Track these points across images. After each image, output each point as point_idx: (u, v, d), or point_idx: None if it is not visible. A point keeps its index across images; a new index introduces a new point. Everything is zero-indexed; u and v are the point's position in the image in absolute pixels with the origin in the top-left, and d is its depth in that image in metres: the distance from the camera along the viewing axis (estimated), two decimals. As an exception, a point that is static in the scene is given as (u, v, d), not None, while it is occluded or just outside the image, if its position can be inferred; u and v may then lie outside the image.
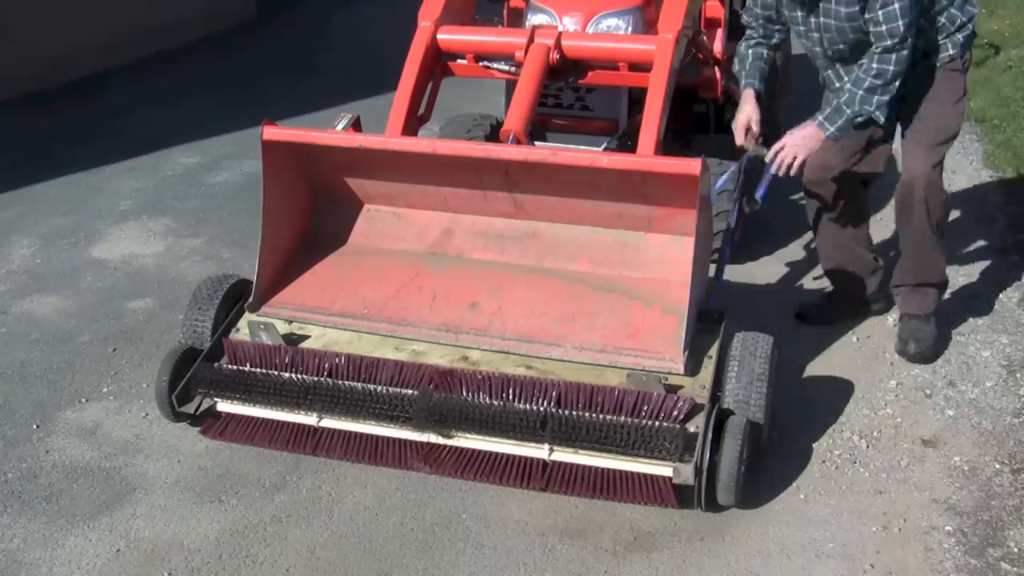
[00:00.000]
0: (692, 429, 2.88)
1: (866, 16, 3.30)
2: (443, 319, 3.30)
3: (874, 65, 3.33)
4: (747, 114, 3.68)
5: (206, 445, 3.34)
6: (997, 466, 3.23)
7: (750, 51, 3.78)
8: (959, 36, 3.51)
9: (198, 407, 3.33)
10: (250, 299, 3.41)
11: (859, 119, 3.44)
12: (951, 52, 3.52)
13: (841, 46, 3.49)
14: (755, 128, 3.69)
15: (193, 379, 3.19)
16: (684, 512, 3.01)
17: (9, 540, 2.96)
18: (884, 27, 3.26)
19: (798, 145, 3.49)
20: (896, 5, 3.22)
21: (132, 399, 3.63)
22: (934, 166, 3.61)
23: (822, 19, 3.46)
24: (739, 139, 3.72)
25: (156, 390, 3.25)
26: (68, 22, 7.57)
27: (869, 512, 3.04)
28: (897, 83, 3.37)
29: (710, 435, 2.87)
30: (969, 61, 3.61)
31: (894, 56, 3.30)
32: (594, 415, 2.92)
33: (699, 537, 2.94)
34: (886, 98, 3.38)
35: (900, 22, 3.23)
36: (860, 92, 3.36)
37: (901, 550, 2.89)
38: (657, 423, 2.88)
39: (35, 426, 3.49)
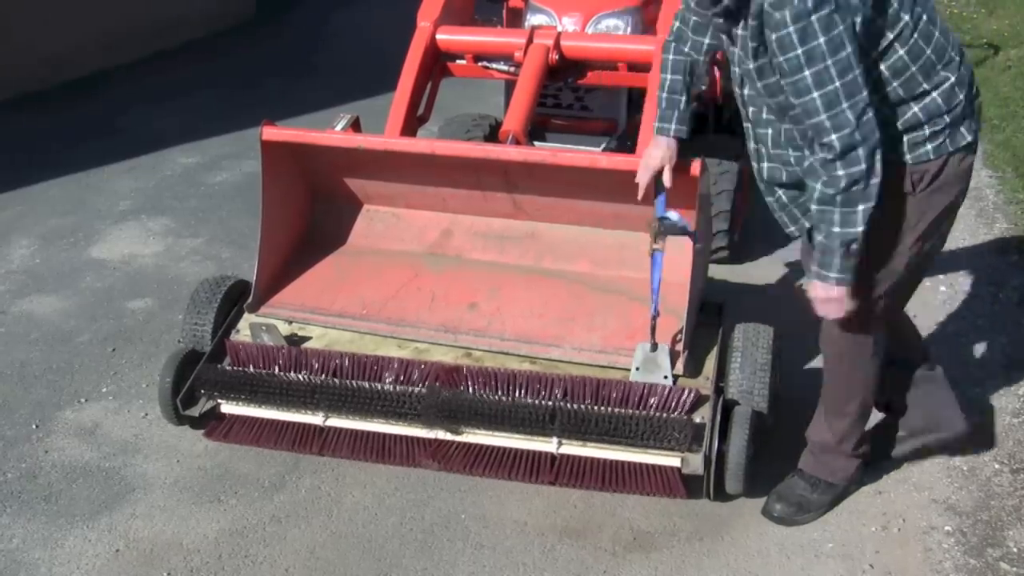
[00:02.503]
0: (698, 420, 2.91)
1: (778, 84, 2.42)
2: (442, 319, 3.30)
3: (822, 178, 2.38)
4: (658, 159, 2.85)
5: (205, 445, 3.34)
6: (996, 466, 3.23)
7: (670, 60, 2.82)
8: (921, 132, 2.49)
9: (201, 409, 3.32)
10: (249, 299, 3.41)
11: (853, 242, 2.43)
12: (905, 158, 2.50)
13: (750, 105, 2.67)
14: (666, 179, 2.88)
15: (198, 380, 3.19)
16: (683, 512, 3.01)
17: (8, 540, 2.96)
18: (807, 120, 2.36)
19: (826, 310, 2.59)
20: (807, 75, 2.28)
21: (131, 399, 3.63)
22: (860, 312, 2.65)
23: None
24: (641, 178, 2.89)
25: (159, 393, 3.24)
26: (67, 22, 7.57)
27: (868, 512, 3.04)
28: (874, 180, 2.36)
29: (718, 425, 2.90)
30: (945, 171, 2.52)
31: (840, 167, 2.34)
32: (603, 408, 2.94)
33: (698, 537, 2.94)
34: (871, 203, 2.38)
35: (822, 116, 2.30)
36: (835, 212, 2.40)
37: (900, 550, 2.89)
38: (665, 414, 2.90)
39: (34, 426, 3.50)
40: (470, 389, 3.05)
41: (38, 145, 6.29)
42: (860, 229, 2.39)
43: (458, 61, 4.12)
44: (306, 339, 3.34)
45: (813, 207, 2.44)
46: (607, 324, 3.20)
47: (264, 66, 8.35)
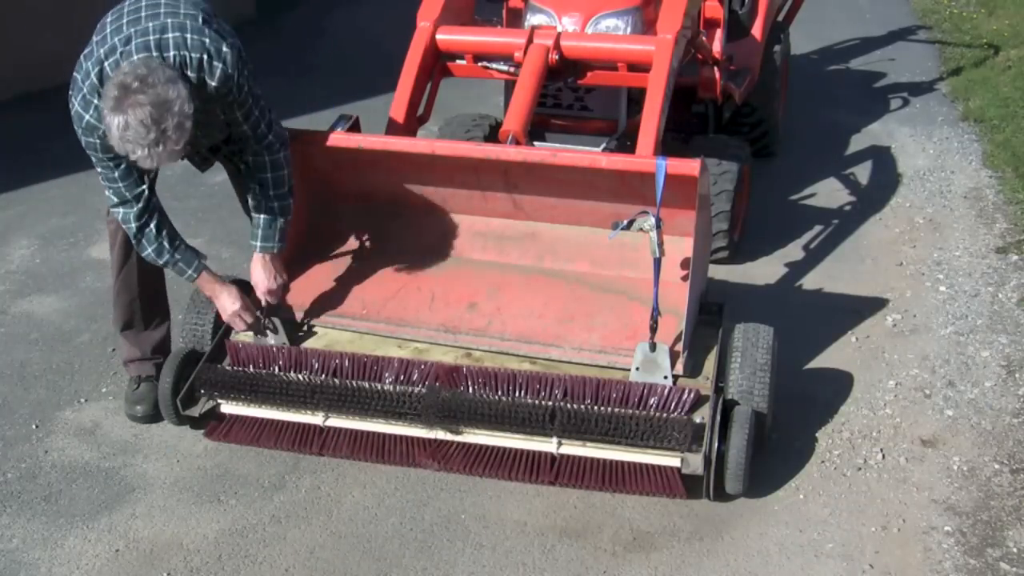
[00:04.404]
0: (698, 420, 2.91)
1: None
2: (442, 319, 3.30)
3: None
4: (238, 302, 3.25)
5: (205, 445, 3.34)
6: (996, 466, 3.23)
7: (160, 231, 3.13)
8: None
9: (201, 409, 3.32)
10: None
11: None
12: None
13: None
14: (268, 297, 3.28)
15: (199, 380, 3.20)
16: (683, 512, 3.01)
17: (8, 540, 2.96)
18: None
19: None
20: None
21: (131, 399, 3.63)
22: None
23: None
24: (242, 325, 3.28)
25: (160, 393, 3.24)
26: (67, 22, 7.56)
27: (868, 512, 3.04)
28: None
29: (718, 425, 2.90)
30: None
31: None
32: (603, 408, 2.94)
33: (698, 537, 2.94)
34: None
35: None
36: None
37: (900, 550, 2.89)
38: (665, 414, 2.90)
39: (34, 426, 3.49)
40: (470, 389, 3.05)
41: (38, 145, 6.28)
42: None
43: (458, 61, 4.11)
44: (306, 339, 3.34)
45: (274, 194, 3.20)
46: (607, 324, 3.20)
47: (264, 66, 8.28)
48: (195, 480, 3.21)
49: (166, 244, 3.12)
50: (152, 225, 3.09)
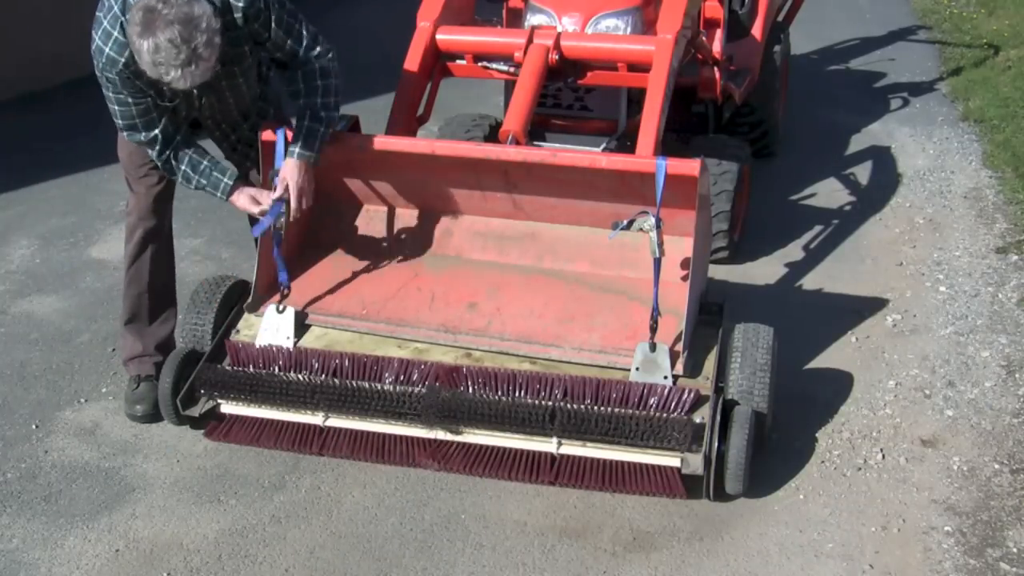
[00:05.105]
0: (698, 420, 2.91)
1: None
2: (442, 319, 3.30)
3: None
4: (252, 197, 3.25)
5: (205, 445, 3.34)
6: (996, 466, 3.23)
7: (184, 154, 3.18)
8: None
9: (201, 409, 3.32)
10: (249, 299, 3.41)
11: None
12: None
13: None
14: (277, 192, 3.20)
15: (198, 380, 3.20)
16: (683, 512, 3.01)
17: (8, 540, 2.96)
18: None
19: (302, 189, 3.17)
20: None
21: (131, 399, 3.63)
22: None
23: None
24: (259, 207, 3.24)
25: (160, 393, 3.24)
26: (67, 22, 7.56)
27: (868, 512, 3.04)
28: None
29: (718, 425, 2.90)
30: None
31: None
32: (603, 408, 2.94)
33: (698, 537, 2.94)
34: None
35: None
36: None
37: (900, 550, 2.89)
38: (665, 414, 2.90)
39: (34, 426, 3.50)
40: (470, 389, 3.05)
41: (38, 145, 6.28)
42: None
43: (458, 61, 4.11)
44: (306, 339, 3.34)
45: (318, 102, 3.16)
46: (607, 324, 3.20)
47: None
48: (195, 480, 3.21)
49: (190, 171, 3.19)
50: (173, 160, 3.15)
